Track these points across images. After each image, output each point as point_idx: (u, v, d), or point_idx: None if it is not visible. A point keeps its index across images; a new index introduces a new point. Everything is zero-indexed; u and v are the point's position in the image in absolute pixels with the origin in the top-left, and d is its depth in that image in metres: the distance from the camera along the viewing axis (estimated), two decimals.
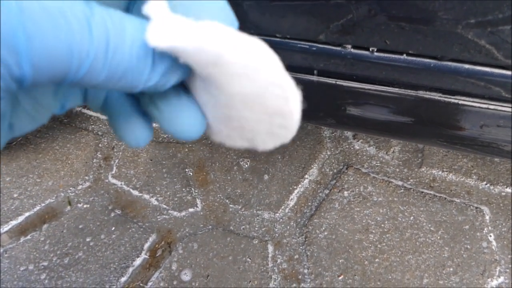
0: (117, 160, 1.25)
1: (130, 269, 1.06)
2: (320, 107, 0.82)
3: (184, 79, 0.20)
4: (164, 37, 0.17)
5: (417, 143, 1.25)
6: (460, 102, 0.65)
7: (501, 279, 0.98)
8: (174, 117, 0.20)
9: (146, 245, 1.09)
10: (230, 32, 0.17)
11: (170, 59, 0.18)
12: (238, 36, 0.17)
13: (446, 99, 0.65)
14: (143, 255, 1.08)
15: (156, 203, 1.16)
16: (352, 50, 0.62)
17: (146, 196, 1.18)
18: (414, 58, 0.60)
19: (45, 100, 0.20)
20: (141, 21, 0.17)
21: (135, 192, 1.19)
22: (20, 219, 1.15)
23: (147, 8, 0.18)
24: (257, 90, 0.19)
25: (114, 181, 1.21)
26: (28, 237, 1.12)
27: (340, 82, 0.69)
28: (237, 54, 0.17)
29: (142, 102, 0.22)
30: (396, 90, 0.66)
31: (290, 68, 0.70)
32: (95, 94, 0.22)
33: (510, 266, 0.99)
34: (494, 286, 0.97)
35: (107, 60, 0.15)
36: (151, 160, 1.24)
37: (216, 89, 0.20)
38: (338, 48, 0.62)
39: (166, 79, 0.18)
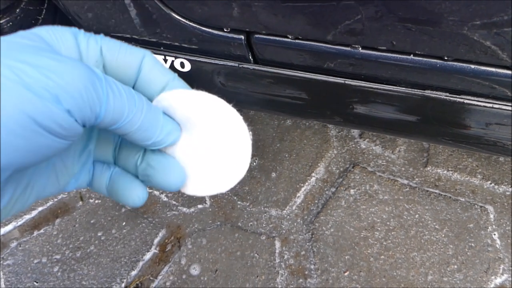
0: None
1: (141, 263, 1.08)
2: (328, 106, 0.83)
3: (173, 143, 0.30)
4: (161, 102, 0.28)
5: (423, 141, 1.26)
6: (466, 101, 0.66)
7: (505, 276, 0.99)
8: (166, 172, 0.30)
9: (156, 240, 1.12)
10: (200, 94, 0.28)
11: (171, 126, 0.29)
12: (205, 96, 0.29)
13: (452, 99, 0.67)
14: (153, 250, 1.10)
15: (165, 199, 1.19)
16: (361, 50, 0.64)
17: (156, 192, 1.21)
18: (420, 59, 0.62)
19: (70, 165, 0.30)
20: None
21: None
22: (34, 213, 1.18)
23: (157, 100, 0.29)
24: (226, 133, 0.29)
25: None
26: (42, 231, 1.15)
27: (349, 82, 0.71)
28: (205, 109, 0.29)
29: (140, 170, 0.31)
30: (403, 89, 0.68)
31: (300, 67, 0.72)
32: (101, 173, 0.32)
33: None
34: (498, 284, 0.98)
35: (141, 117, 0.26)
36: None
37: (196, 134, 0.30)
38: (347, 48, 0.64)
39: (167, 138, 0.29)
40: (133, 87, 0.30)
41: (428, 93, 0.67)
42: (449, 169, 1.18)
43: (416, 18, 0.56)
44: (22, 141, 0.20)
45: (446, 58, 0.60)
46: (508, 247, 1.04)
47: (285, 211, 1.13)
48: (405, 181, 1.16)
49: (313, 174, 1.19)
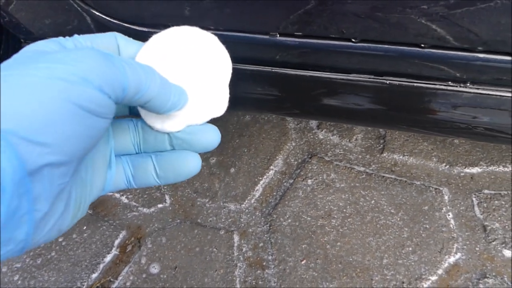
0: None
1: (101, 265, 1.08)
2: (285, 98, 0.84)
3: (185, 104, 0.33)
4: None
5: (384, 128, 1.28)
6: (421, 85, 0.66)
7: (458, 255, 1.01)
8: (204, 132, 0.33)
9: (117, 242, 1.12)
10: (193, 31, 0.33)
11: (179, 88, 0.31)
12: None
13: (407, 83, 0.67)
14: (114, 251, 1.10)
15: (126, 201, 1.19)
16: (311, 40, 0.63)
17: (117, 195, 1.21)
18: (371, 45, 0.62)
19: (100, 175, 0.31)
20: None
21: None
22: None
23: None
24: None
25: None
26: None
27: (301, 73, 0.70)
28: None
29: (177, 142, 0.33)
30: (358, 77, 0.68)
31: (252, 61, 0.71)
32: (144, 162, 0.33)
33: (467, 242, 1.03)
34: (451, 263, 1.00)
35: (156, 83, 0.28)
36: None
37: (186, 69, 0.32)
38: (297, 39, 0.64)
39: (180, 99, 0.31)
40: None
41: (383, 79, 0.67)
42: (405, 154, 1.20)
43: (366, 5, 0.56)
44: (71, 126, 0.23)
45: (395, 43, 0.60)
46: (462, 226, 1.05)
47: (243, 205, 1.14)
48: (362, 168, 1.18)
49: (271, 167, 1.20)
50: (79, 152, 0.24)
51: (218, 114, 0.34)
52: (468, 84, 0.63)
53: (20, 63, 0.24)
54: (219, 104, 0.34)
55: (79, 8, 0.70)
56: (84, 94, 0.23)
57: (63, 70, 0.23)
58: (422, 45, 0.58)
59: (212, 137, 0.33)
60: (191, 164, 0.32)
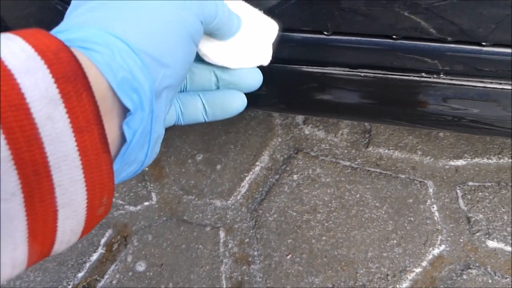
0: None
1: (87, 264, 1.08)
2: (271, 93, 0.84)
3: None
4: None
5: (366, 121, 1.28)
6: (397, 77, 0.65)
7: (442, 247, 1.02)
8: (249, 73, 0.34)
9: (103, 240, 1.12)
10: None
11: (237, 16, 0.32)
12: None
13: (389, 76, 0.66)
14: (100, 250, 1.10)
15: (112, 199, 1.19)
16: (300, 34, 0.63)
17: None
18: (344, 37, 0.62)
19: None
20: None
21: None
22: None
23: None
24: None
25: None
26: None
27: (280, 66, 0.70)
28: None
29: (223, 83, 0.34)
30: (334, 70, 0.67)
31: None
32: (193, 100, 0.33)
33: (451, 234, 1.03)
34: (436, 254, 1.01)
35: (226, 10, 0.29)
36: None
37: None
38: (285, 33, 0.63)
39: (239, 24, 0.32)
40: None
41: (357, 71, 0.67)
42: (390, 147, 1.20)
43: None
44: (183, 52, 0.25)
45: (377, 36, 0.59)
46: (447, 218, 1.06)
47: (229, 201, 1.14)
48: (347, 163, 1.18)
49: (257, 163, 1.21)
50: (183, 79, 0.26)
51: (265, 63, 0.36)
52: (441, 75, 0.64)
53: None
54: (266, 54, 0.36)
55: (61, 8, 0.70)
56: (190, 21, 0.25)
57: (181, 7, 0.24)
58: (394, 36, 0.59)
59: (257, 78, 0.34)
60: (239, 102, 0.34)
